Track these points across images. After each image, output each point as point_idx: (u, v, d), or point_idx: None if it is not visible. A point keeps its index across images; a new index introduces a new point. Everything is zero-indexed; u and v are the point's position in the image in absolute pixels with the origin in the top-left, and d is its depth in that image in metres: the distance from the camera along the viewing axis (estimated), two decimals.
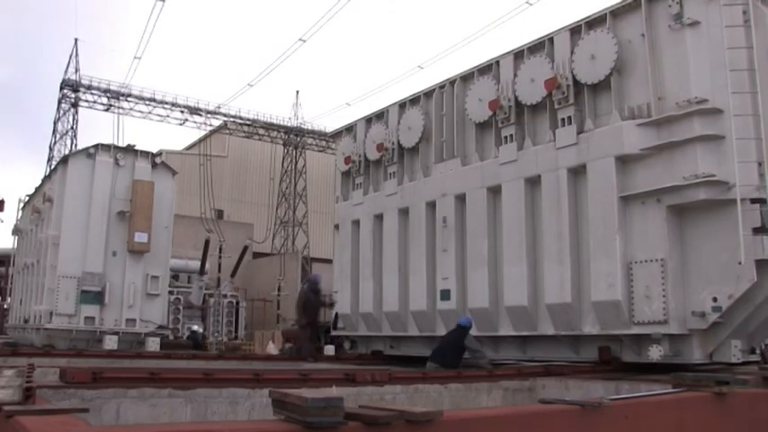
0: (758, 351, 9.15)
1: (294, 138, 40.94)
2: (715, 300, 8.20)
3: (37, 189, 19.73)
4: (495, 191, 10.94)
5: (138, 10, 52.06)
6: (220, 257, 31.59)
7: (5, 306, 26.80)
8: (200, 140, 39.93)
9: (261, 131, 39.99)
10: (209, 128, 38.70)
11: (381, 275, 13.11)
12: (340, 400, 3.07)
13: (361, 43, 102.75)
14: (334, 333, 14.80)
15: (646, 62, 9.00)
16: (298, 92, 50.15)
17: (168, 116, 36.75)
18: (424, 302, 11.92)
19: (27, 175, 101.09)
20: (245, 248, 29.24)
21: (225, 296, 27.82)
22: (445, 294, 11.50)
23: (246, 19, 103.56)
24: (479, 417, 4.18)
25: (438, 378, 7.84)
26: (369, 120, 14.27)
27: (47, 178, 19.32)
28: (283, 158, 41.27)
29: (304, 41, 30.81)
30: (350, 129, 14.87)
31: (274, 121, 40.23)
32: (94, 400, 5.68)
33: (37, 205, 18.15)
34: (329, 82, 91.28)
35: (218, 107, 37.68)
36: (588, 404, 4.52)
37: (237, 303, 28.73)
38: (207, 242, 25.41)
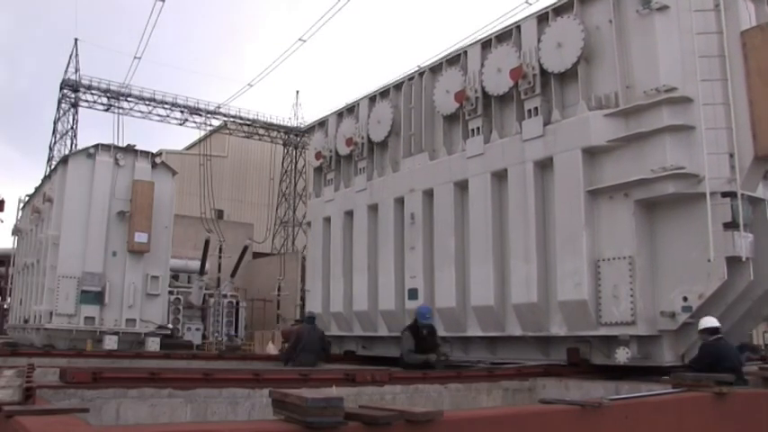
0: None
1: (294, 138, 40.94)
2: (685, 299, 7.82)
3: (37, 189, 19.74)
4: (462, 186, 10.58)
5: (138, 10, 52.14)
6: (220, 257, 31.57)
7: (5, 306, 26.79)
8: (200, 140, 39.90)
9: (261, 131, 40.00)
10: (209, 128, 38.71)
11: (352, 274, 12.78)
12: (340, 400, 3.07)
13: (361, 43, 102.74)
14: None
15: (613, 49, 8.62)
16: (298, 92, 50.33)
17: (168, 116, 36.77)
18: (393, 302, 11.59)
19: (27, 176, 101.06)
20: (245, 248, 29.19)
21: (225, 296, 27.80)
22: (413, 293, 11.17)
23: (246, 19, 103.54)
24: (479, 417, 4.17)
25: (438, 378, 7.83)
26: (340, 114, 13.91)
27: (47, 178, 19.33)
28: (283, 158, 41.28)
29: (304, 41, 30.72)
30: (322, 123, 14.55)
31: (274, 121, 40.24)
32: (94, 400, 5.68)
33: (37, 205, 18.16)
34: (329, 82, 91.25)
35: (218, 107, 37.68)
36: (588, 404, 4.52)
37: (237, 303, 28.73)
38: (207, 242, 25.38)
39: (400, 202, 11.80)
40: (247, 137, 40.24)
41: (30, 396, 3.91)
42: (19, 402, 3.62)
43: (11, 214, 22.66)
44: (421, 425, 3.30)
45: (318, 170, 14.38)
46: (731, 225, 7.55)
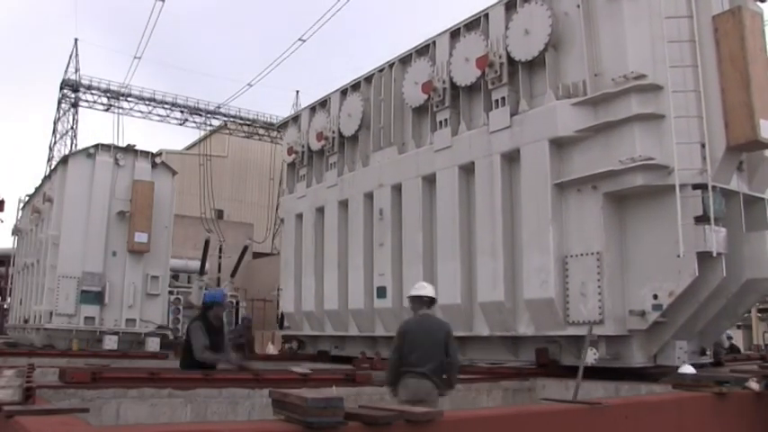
0: (708, 352, 8.46)
1: None
2: (655, 297, 7.48)
3: (37, 189, 19.74)
4: (430, 180, 10.34)
5: (138, 10, 52.13)
6: (220, 257, 31.51)
7: (5, 306, 26.78)
8: (200, 140, 39.87)
9: (261, 131, 39.94)
10: (209, 128, 38.66)
11: (323, 272, 12.55)
12: (340, 400, 3.07)
13: (361, 43, 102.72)
14: (280, 333, 14.59)
15: (582, 36, 8.29)
16: (298, 92, 49.98)
17: (168, 116, 36.72)
18: (362, 300, 11.35)
19: (27, 175, 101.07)
20: (245, 248, 29.15)
21: (225, 296, 27.78)
22: (381, 292, 10.93)
23: (246, 19, 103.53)
24: (479, 417, 4.18)
25: None
26: (313, 108, 13.73)
27: (47, 178, 19.32)
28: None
29: (304, 41, 30.63)
30: (296, 118, 14.40)
31: (274, 121, 40.18)
32: (94, 400, 5.68)
33: (37, 205, 18.17)
34: (329, 82, 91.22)
35: (218, 107, 37.63)
36: (588, 404, 4.52)
37: (237, 303, 28.70)
38: (207, 242, 25.35)
39: (370, 197, 11.54)
40: (247, 137, 40.18)
41: (30, 396, 3.91)
42: (19, 402, 3.62)
43: (11, 214, 22.68)
44: (421, 425, 3.30)
45: (291, 166, 14.22)
46: (702, 219, 7.22)
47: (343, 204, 12.27)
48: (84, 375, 5.98)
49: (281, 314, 14.22)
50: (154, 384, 6.19)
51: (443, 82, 10.12)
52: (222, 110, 37.82)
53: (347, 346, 12.35)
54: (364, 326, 11.50)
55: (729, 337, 18.15)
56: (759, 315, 23.34)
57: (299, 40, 30.79)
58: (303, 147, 13.61)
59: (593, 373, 7.64)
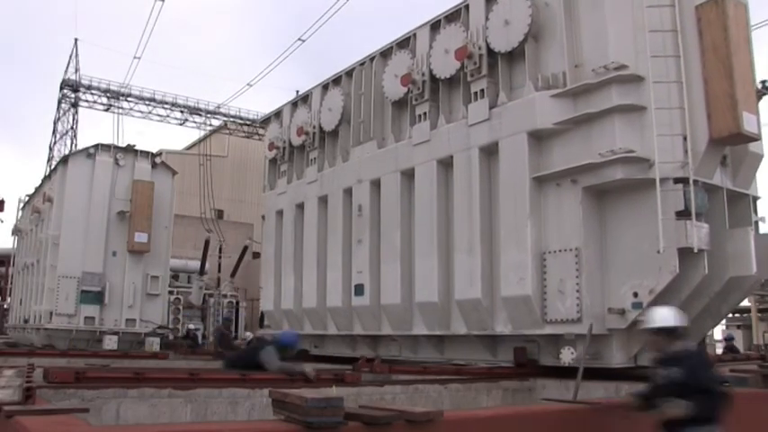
0: None
1: None
2: (635, 295, 7.27)
3: (37, 189, 19.75)
4: (409, 175, 10.18)
5: (138, 10, 52.09)
6: (220, 257, 31.50)
7: (5, 306, 26.77)
8: (200, 140, 39.84)
9: (261, 131, 39.91)
10: (209, 128, 38.65)
11: (302, 269, 12.42)
12: (340, 400, 3.08)
13: (361, 42, 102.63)
14: (259, 333, 14.52)
15: (562, 26, 8.11)
16: (298, 92, 50.03)
17: (168, 116, 36.71)
18: (340, 298, 11.22)
19: (27, 175, 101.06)
20: (245, 248, 29.16)
21: (225, 296, 27.76)
22: (359, 289, 10.79)
23: (246, 19, 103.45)
24: (479, 417, 4.19)
25: (438, 378, 7.82)
26: (295, 104, 13.67)
27: (47, 178, 19.35)
28: None
29: (303, 41, 30.58)
30: (278, 114, 14.28)
31: None
32: (94, 400, 5.69)
33: (37, 205, 18.19)
34: None
35: (218, 107, 37.63)
36: (588, 404, 4.53)
37: (237, 303, 28.69)
38: (207, 242, 25.36)
39: (349, 193, 11.42)
40: (247, 137, 40.15)
41: (30, 396, 3.91)
42: (19, 402, 3.62)
43: (11, 214, 22.70)
44: (421, 425, 3.31)
45: (273, 162, 14.11)
46: (684, 214, 7.03)
47: (323, 200, 12.15)
48: (67, 375, 5.95)
49: (261, 313, 14.17)
50: (154, 384, 6.18)
51: (423, 74, 9.99)
52: (222, 110, 37.82)
53: (326, 345, 12.23)
54: (342, 324, 11.37)
55: (730, 338, 18.20)
56: (759, 315, 23.34)
57: (299, 39, 30.73)
58: (284, 142, 13.52)
59: (572, 373, 7.41)
